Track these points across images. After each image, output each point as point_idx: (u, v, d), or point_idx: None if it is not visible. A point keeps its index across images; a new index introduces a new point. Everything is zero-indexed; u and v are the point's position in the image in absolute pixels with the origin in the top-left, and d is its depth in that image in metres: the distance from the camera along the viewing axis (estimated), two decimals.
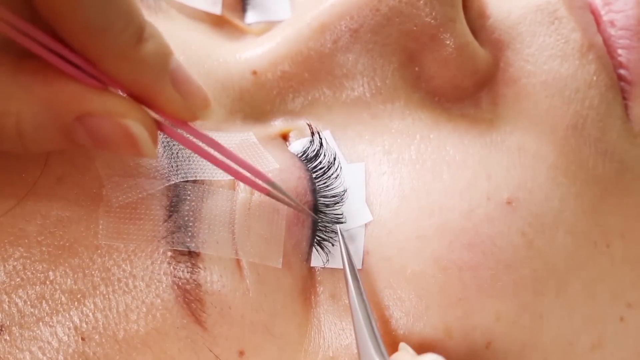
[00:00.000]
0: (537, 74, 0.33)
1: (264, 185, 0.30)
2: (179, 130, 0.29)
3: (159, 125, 0.28)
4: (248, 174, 0.30)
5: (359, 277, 0.31)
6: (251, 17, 0.37)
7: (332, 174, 0.32)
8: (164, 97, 0.27)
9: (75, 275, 0.29)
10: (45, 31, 0.25)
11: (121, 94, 0.27)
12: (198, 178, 0.30)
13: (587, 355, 0.33)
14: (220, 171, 0.30)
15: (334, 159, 0.33)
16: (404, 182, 0.32)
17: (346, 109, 0.34)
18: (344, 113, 0.34)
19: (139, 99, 0.27)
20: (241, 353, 0.30)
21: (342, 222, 0.32)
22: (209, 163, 0.30)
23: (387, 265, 0.31)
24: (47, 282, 0.29)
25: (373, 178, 0.32)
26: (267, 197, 0.31)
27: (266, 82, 0.34)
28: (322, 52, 0.34)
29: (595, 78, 0.33)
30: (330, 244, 0.32)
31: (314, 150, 0.33)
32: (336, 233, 0.32)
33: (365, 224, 0.32)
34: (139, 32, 0.26)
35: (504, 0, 0.34)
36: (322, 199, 0.32)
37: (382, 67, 0.34)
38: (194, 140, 0.29)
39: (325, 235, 0.32)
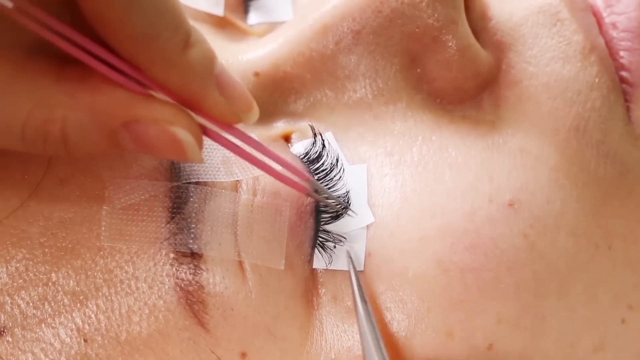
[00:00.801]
0: (539, 75, 0.33)
1: (304, 185, 0.31)
2: (224, 134, 0.29)
3: (203, 130, 0.28)
4: (291, 175, 0.30)
5: (366, 298, 0.30)
6: (253, 18, 0.37)
7: (334, 176, 0.32)
8: (210, 102, 0.27)
9: (78, 277, 0.29)
10: (91, 38, 0.25)
11: (166, 99, 0.27)
12: (200, 179, 0.30)
13: (589, 357, 0.33)
14: (225, 173, 0.30)
15: (336, 160, 0.33)
16: (406, 184, 0.32)
17: (348, 111, 0.34)
18: (346, 114, 0.34)
19: (185, 103, 0.27)
20: (243, 355, 0.30)
21: (347, 205, 0.32)
22: (213, 164, 0.30)
23: (388, 267, 0.31)
24: (50, 284, 0.29)
25: (375, 180, 0.32)
26: (270, 199, 0.31)
27: (268, 83, 0.34)
28: (324, 54, 0.34)
29: (597, 80, 0.33)
30: (332, 245, 0.32)
31: (316, 152, 0.33)
32: (338, 234, 0.32)
33: (367, 226, 0.32)
34: (185, 38, 0.26)
35: (506, 2, 0.34)
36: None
37: (384, 68, 0.34)
38: (239, 143, 0.29)
39: (328, 237, 0.32)
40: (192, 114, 0.28)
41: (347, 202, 0.32)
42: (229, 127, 0.29)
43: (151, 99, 0.27)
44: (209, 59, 0.27)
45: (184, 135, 0.27)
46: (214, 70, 0.27)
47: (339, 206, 0.32)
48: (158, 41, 0.25)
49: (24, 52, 0.26)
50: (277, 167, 0.30)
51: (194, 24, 0.35)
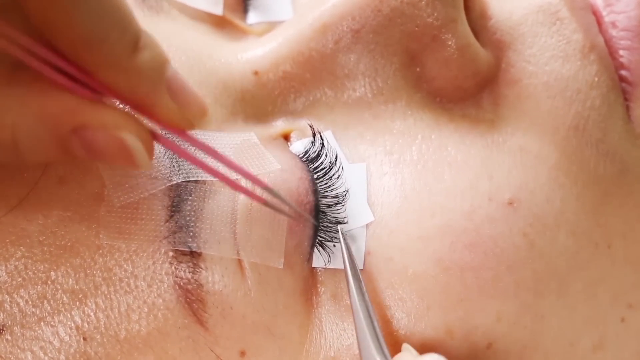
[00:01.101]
0: (538, 74, 0.33)
1: (262, 193, 0.30)
2: (175, 139, 0.28)
3: (154, 135, 0.28)
4: (245, 183, 0.30)
5: (360, 277, 0.30)
6: (253, 17, 0.37)
7: (333, 175, 0.32)
8: (160, 106, 0.27)
9: (77, 275, 0.29)
10: (39, 42, 0.25)
11: (116, 104, 0.27)
12: (200, 178, 0.30)
13: (588, 356, 0.33)
14: (224, 172, 0.30)
15: (336, 159, 0.33)
16: (406, 183, 0.32)
17: (348, 110, 0.34)
18: (345, 113, 0.34)
19: (135, 108, 0.27)
20: (242, 353, 0.30)
21: (344, 223, 0.32)
22: (212, 163, 0.30)
23: (388, 266, 0.31)
24: (49, 282, 0.29)
25: (374, 178, 0.33)
26: (269, 197, 0.31)
27: (268, 82, 0.34)
28: (323, 53, 0.34)
29: (596, 79, 0.33)
30: (332, 244, 0.32)
31: (316, 151, 0.33)
32: (338, 233, 0.32)
33: (367, 225, 0.32)
34: (134, 41, 0.26)
35: (506, 1, 0.34)
36: (323, 199, 0.32)
37: (383, 67, 0.34)
38: (190, 148, 0.29)
39: (327, 236, 0.32)
40: (145, 119, 0.27)
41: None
42: (180, 132, 0.28)
43: (99, 105, 0.26)
44: (160, 63, 0.27)
45: (132, 141, 0.26)
46: (165, 74, 0.27)
47: (299, 215, 0.31)
48: (105, 44, 0.25)
49: None
50: (232, 174, 0.30)
51: (194, 23, 0.35)
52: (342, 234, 0.31)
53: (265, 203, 0.30)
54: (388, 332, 0.31)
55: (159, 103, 0.27)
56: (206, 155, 0.29)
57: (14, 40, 0.25)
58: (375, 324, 0.29)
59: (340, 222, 0.32)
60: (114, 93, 0.26)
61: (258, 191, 0.30)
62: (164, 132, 0.28)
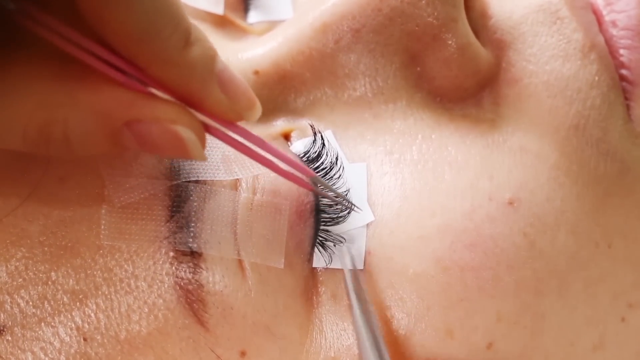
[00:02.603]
0: (539, 74, 0.33)
1: (309, 181, 0.31)
2: (227, 131, 0.29)
3: (206, 127, 0.28)
4: (295, 171, 0.31)
5: (367, 297, 0.30)
6: (253, 17, 0.37)
7: (334, 174, 0.32)
8: (211, 100, 0.27)
9: (77, 276, 0.29)
10: (91, 37, 0.25)
11: (168, 97, 0.27)
12: (200, 178, 0.30)
13: (589, 355, 0.33)
14: (224, 172, 0.30)
15: (336, 159, 0.33)
16: (406, 183, 0.32)
17: (348, 109, 0.34)
18: (345, 113, 0.34)
19: (187, 101, 0.27)
20: (243, 353, 0.30)
21: (349, 209, 0.32)
22: (212, 163, 0.30)
23: (388, 266, 0.31)
24: (49, 283, 0.29)
25: (375, 178, 0.33)
26: (269, 197, 0.31)
27: (268, 81, 0.34)
28: (324, 52, 0.33)
29: (597, 78, 0.33)
30: (332, 244, 0.32)
31: (316, 151, 0.33)
32: (339, 238, 0.32)
33: (367, 224, 0.32)
34: (186, 36, 0.26)
35: (506, 0, 0.34)
36: (324, 199, 0.32)
37: (384, 67, 0.34)
38: (242, 140, 0.29)
39: (328, 236, 0.32)
40: (195, 112, 0.28)
41: (351, 199, 0.32)
42: (231, 124, 0.29)
43: (153, 98, 0.27)
44: (210, 57, 0.27)
45: (186, 133, 0.27)
46: (215, 68, 0.27)
47: (344, 202, 0.32)
48: (158, 40, 0.25)
49: (24, 52, 0.26)
50: (281, 164, 0.30)
51: (194, 22, 0.35)
52: (347, 255, 0.32)
53: (313, 190, 0.31)
54: (388, 332, 0.31)
55: (210, 97, 0.27)
56: (255, 147, 0.29)
57: (64, 34, 0.25)
58: (379, 338, 0.29)
59: (347, 210, 0.32)
60: (165, 88, 0.27)
61: (306, 179, 0.31)
62: (215, 124, 0.29)
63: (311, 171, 0.31)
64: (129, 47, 0.25)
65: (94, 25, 0.25)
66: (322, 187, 0.31)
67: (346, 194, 0.32)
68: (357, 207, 0.32)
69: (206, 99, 0.27)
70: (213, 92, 0.27)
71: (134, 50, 0.26)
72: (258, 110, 0.29)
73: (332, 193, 0.32)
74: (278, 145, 0.33)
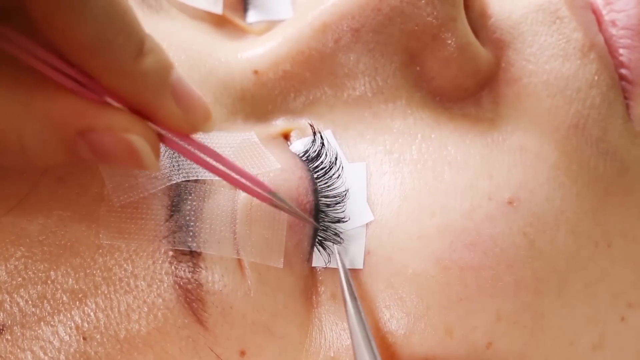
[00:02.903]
0: (538, 73, 0.33)
1: (266, 194, 0.30)
2: (180, 142, 0.28)
3: (160, 138, 0.28)
4: (250, 184, 0.30)
5: (356, 295, 0.30)
6: (252, 16, 0.37)
7: (333, 174, 0.32)
8: (164, 111, 0.27)
9: (77, 275, 0.29)
10: (44, 46, 0.25)
11: (122, 107, 0.27)
12: (200, 177, 0.30)
13: (588, 355, 0.33)
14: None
15: (336, 158, 0.33)
16: (405, 182, 0.32)
17: (348, 109, 0.34)
18: (345, 112, 0.34)
19: (140, 112, 0.27)
20: (242, 353, 0.30)
21: (344, 222, 0.32)
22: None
23: (388, 265, 0.31)
24: (49, 282, 0.29)
25: (374, 178, 0.32)
26: None
27: (267, 81, 0.34)
28: (323, 52, 0.33)
29: (596, 77, 0.33)
30: (331, 244, 0.32)
31: (316, 151, 0.33)
32: (337, 235, 0.32)
33: (367, 224, 0.32)
34: (139, 46, 0.26)
35: None
36: (323, 199, 0.32)
37: (383, 66, 0.34)
38: (196, 151, 0.29)
39: (327, 235, 0.32)
40: (150, 123, 0.27)
41: (316, 218, 0.32)
42: (185, 136, 0.28)
43: (106, 107, 0.26)
44: (164, 68, 0.27)
45: (139, 143, 0.26)
46: (169, 79, 0.27)
47: (304, 218, 0.31)
48: (110, 49, 0.25)
49: None
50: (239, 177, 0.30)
51: (193, 22, 0.35)
52: (338, 253, 0.31)
53: (271, 203, 0.31)
54: (388, 332, 0.31)
55: (163, 108, 0.27)
56: (209, 158, 0.29)
57: (18, 43, 0.25)
58: (373, 343, 0.29)
59: (340, 221, 0.32)
60: (118, 97, 0.26)
61: (261, 191, 0.30)
62: (169, 134, 0.28)
63: (268, 186, 0.30)
64: (81, 56, 0.25)
65: (46, 33, 0.25)
66: (280, 202, 0.31)
67: (345, 194, 0.32)
68: (314, 222, 0.32)
69: (159, 110, 0.27)
70: (166, 103, 0.27)
71: (86, 60, 0.25)
72: (212, 123, 0.28)
73: (292, 211, 0.31)
74: (277, 145, 0.33)
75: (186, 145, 0.28)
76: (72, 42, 0.25)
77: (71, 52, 0.25)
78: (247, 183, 0.30)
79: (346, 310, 0.30)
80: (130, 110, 0.27)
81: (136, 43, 0.26)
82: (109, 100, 0.27)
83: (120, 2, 0.25)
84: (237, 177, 0.30)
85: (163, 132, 0.28)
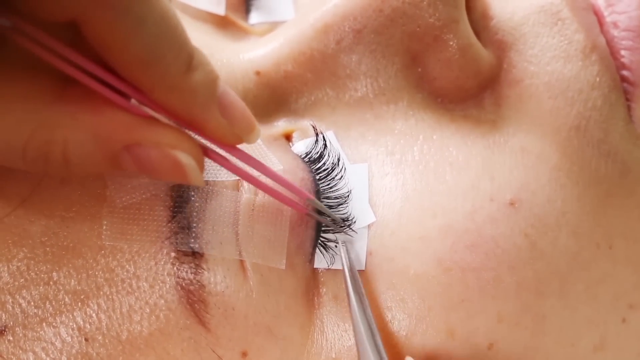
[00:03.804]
0: (540, 75, 0.33)
1: (307, 206, 0.31)
2: (228, 155, 0.29)
3: (204, 151, 0.28)
4: (291, 195, 0.31)
5: (362, 290, 0.30)
6: (255, 17, 0.37)
7: (335, 175, 0.32)
8: (212, 124, 0.27)
9: (79, 276, 0.29)
10: (92, 59, 0.25)
11: (169, 122, 0.27)
12: (207, 178, 0.30)
13: (590, 356, 0.33)
14: (226, 172, 0.30)
15: (338, 159, 0.33)
16: (407, 183, 0.32)
17: (349, 110, 0.34)
18: (347, 114, 0.34)
19: (188, 125, 0.27)
20: (244, 354, 0.30)
21: (350, 223, 0.32)
22: (213, 164, 0.30)
23: (390, 266, 0.31)
24: (51, 283, 0.29)
25: (376, 179, 0.33)
26: (271, 198, 0.31)
27: (269, 82, 0.34)
28: (325, 53, 0.34)
29: (598, 79, 0.33)
30: (333, 245, 0.32)
31: (318, 152, 0.33)
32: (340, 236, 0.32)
33: (369, 225, 0.32)
34: (188, 61, 0.26)
35: (507, 1, 0.34)
36: (325, 200, 0.32)
37: (385, 67, 0.34)
38: (240, 164, 0.29)
39: (329, 236, 0.32)
40: (195, 135, 0.28)
41: (349, 222, 0.32)
42: (231, 147, 0.29)
43: (153, 122, 0.27)
44: (212, 81, 0.27)
45: (185, 159, 0.27)
46: (217, 92, 0.27)
47: (341, 226, 0.32)
48: (161, 64, 0.25)
49: (26, 72, 0.26)
50: (279, 188, 0.31)
51: (196, 23, 0.35)
52: (344, 247, 0.32)
53: (309, 214, 0.31)
54: (389, 333, 0.31)
55: (211, 121, 0.27)
56: (255, 170, 0.30)
57: (66, 57, 0.25)
58: (377, 338, 0.29)
59: (346, 220, 0.32)
60: (166, 111, 0.27)
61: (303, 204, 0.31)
62: (214, 147, 0.29)
63: (309, 194, 0.31)
64: (131, 71, 0.25)
65: (97, 48, 0.25)
66: (319, 211, 0.31)
67: (348, 195, 0.32)
68: (354, 231, 0.32)
69: (207, 123, 0.27)
70: (214, 116, 0.27)
71: (136, 74, 0.26)
72: (257, 133, 0.29)
73: (329, 216, 0.32)
74: (279, 147, 0.33)
75: (231, 157, 0.29)
76: (124, 58, 0.25)
77: (121, 67, 0.25)
78: (290, 195, 0.31)
79: (349, 306, 0.30)
80: (178, 123, 0.27)
81: (186, 58, 0.26)
82: (155, 115, 0.27)
83: (173, 17, 0.25)
84: (280, 189, 0.30)
85: (208, 144, 0.28)
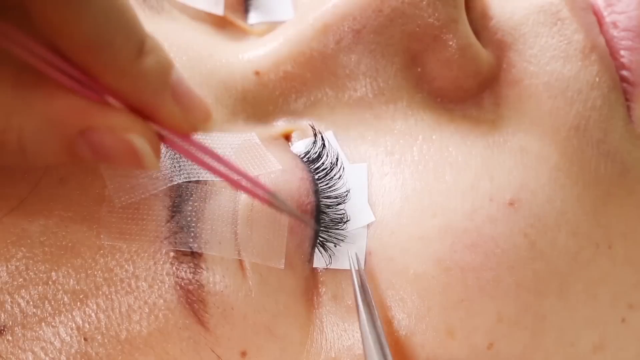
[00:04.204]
0: (539, 75, 0.33)
1: (265, 196, 0.30)
2: (180, 142, 0.28)
3: (161, 137, 0.28)
4: (250, 185, 0.30)
5: (373, 303, 0.30)
6: (254, 17, 0.37)
7: (334, 175, 0.32)
8: (164, 111, 0.27)
9: (78, 276, 0.29)
10: (44, 44, 0.25)
11: (122, 107, 0.27)
12: (201, 178, 0.30)
13: (589, 356, 0.33)
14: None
15: (337, 159, 0.33)
16: (407, 183, 0.32)
17: (349, 110, 0.34)
18: (346, 114, 0.34)
19: (140, 112, 0.27)
20: (243, 354, 0.30)
21: (346, 221, 0.32)
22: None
23: (389, 266, 0.31)
24: (50, 283, 0.29)
25: (375, 179, 0.32)
26: None
27: (269, 82, 0.34)
28: (324, 53, 0.34)
29: (597, 79, 0.33)
30: (332, 245, 0.32)
31: (317, 152, 0.33)
32: (340, 236, 0.32)
33: (368, 225, 0.32)
34: (139, 46, 0.26)
35: (507, 1, 0.34)
36: (324, 200, 0.32)
37: (384, 67, 0.34)
38: (195, 151, 0.28)
39: (328, 236, 0.32)
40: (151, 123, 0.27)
41: (314, 219, 0.32)
42: (185, 136, 0.28)
43: (107, 107, 0.26)
44: (164, 68, 0.27)
45: (140, 143, 0.26)
46: (169, 79, 0.27)
47: (302, 219, 0.31)
48: (110, 49, 0.25)
49: None
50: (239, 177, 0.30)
51: (195, 23, 0.35)
52: (356, 261, 0.31)
53: (270, 204, 0.30)
54: (389, 333, 0.31)
55: (163, 108, 0.27)
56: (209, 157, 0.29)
57: (18, 42, 0.25)
58: (387, 352, 0.29)
59: (342, 222, 0.32)
60: (117, 97, 0.26)
61: (261, 192, 0.30)
62: (169, 134, 0.28)
63: (268, 187, 0.30)
64: (81, 54, 0.25)
65: (46, 31, 0.25)
66: (280, 203, 0.31)
67: (346, 195, 0.32)
68: (313, 223, 0.31)
69: (159, 110, 0.27)
70: (166, 103, 0.27)
71: (86, 58, 0.25)
72: (212, 123, 0.28)
73: (291, 211, 0.31)
74: (278, 146, 0.33)
75: (186, 146, 0.28)
76: (72, 41, 0.25)
77: (71, 51, 0.25)
78: (247, 184, 0.30)
79: (358, 315, 0.30)
80: (130, 109, 0.27)
81: (136, 42, 0.26)
82: (109, 100, 0.26)
83: (122, 1, 0.25)
84: (237, 177, 0.29)
85: (164, 132, 0.28)
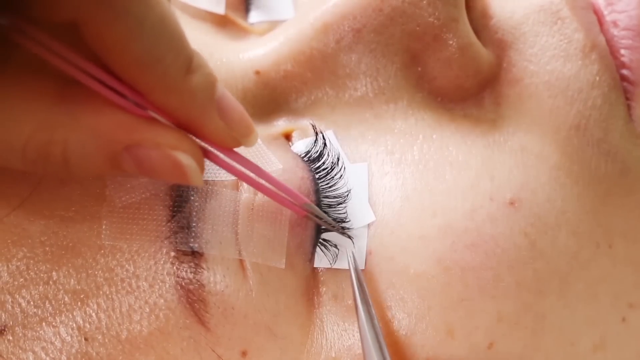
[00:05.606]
0: (540, 74, 0.33)
1: (304, 207, 0.31)
2: (225, 158, 0.29)
3: (204, 152, 0.28)
4: (289, 198, 0.31)
5: (369, 300, 0.30)
6: (254, 16, 0.37)
7: (335, 175, 0.32)
8: (210, 127, 0.27)
9: (79, 276, 0.29)
10: (93, 60, 0.25)
11: (169, 123, 0.27)
12: (206, 178, 0.30)
13: (589, 356, 0.33)
14: (226, 173, 0.30)
15: (337, 159, 0.33)
16: (407, 183, 0.32)
17: (349, 109, 0.34)
18: (346, 113, 0.34)
19: (186, 128, 0.27)
20: (244, 353, 0.30)
21: (347, 221, 0.32)
22: (213, 164, 0.30)
23: (389, 266, 0.31)
24: (51, 282, 0.29)
25: (376, 178, 0.32)
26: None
27: (269, 81, 0.34)
28: (325, 52, 0.34)
29: (598, 78, 0.33)
30: (333, 245, 0.32)
31: (317, 151, 0.33)
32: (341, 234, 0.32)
33: (368, 224, 0.32)
34: (188, 63, 0.26)
35: (507, 0, 0.34)
36: (325, 199, 0.32)
37: (385, 67, 0.34)
38: (239, 167, 0.29)
39: (328, 236, 0.32)
40: (194, 137, 0.28)
41: (343, 226, 0.32)
42: (229, 151, 0.29)
43: (154, 123, 0.27)
44: (210, 84, 0.27)
45: (186, 160, 0.27)
46: (215, 95, 0.27)
47: (339, 230, 0.32)
48: (159, 66, 0.25)
49: (27, 72, 0.26)
50: (278, 190, 0.31)
51: (195, 22, 0.35)
52: (351, 257, 0.32)
53: (307, 217, 0.31)
54: (389, 332, 0.31)
55: (209, 123, 0.27)
56: (253, 174, 0.30)
57: (66, 57, 0.25)
58: (386, 352, 0.29)
59: (342, 221, 0.32)
60: (165, 113, 0.27)
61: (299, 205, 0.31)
62: (215, 151, 0.29)
63: (305, 199, 0.31)
64: (130, 72, 0.25)
65: (96, 48, 0.25)
66: (316, 215, 0.31)
67: (347, 194, 0.32)
68: (351, 236, 0.32)
69: (205, 126, 0.27)
70: (212, 119, 0.27)
71: (135, 76, 0.25)
72: (255, 136, 0.29)
73: (326, 221, 0.32)
74: (279, 146, 0.33)
75: (229, 160, 0.29)
76: (122, 60, 0.25)
77: (121, 68, 0.25)
78: (287, 197, 0.31)
79: (357, 316, 0.30)
80: (176, 125, 0.27)
81: (185, 60, 0.26)
82: (155, 115, 0.27)
83: (172, 19, 0.25)
84: (278, 192, 0.30)
85: (208, 147, 0.28)
